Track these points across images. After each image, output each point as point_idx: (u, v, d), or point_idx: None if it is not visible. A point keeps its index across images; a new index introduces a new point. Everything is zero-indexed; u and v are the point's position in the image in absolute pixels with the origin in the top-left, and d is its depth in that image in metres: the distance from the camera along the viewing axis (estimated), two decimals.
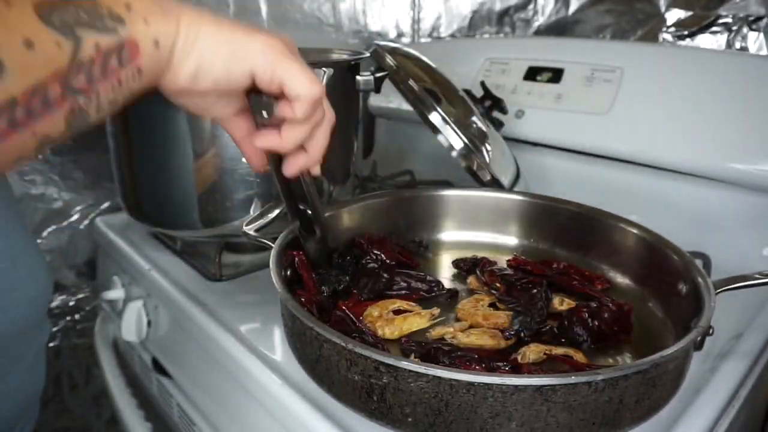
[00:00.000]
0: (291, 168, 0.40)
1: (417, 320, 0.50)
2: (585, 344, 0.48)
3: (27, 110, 0.25)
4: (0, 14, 0.24)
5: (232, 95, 0.36)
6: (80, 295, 0.96)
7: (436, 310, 0.51)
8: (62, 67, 0.26)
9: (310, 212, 0.50)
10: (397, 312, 0.51)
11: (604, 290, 0.56)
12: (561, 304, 0.52)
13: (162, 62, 0.31)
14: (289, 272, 0.51)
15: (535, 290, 0.51)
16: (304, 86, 0.34)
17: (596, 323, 0.48)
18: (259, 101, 0.36)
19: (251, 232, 0.54)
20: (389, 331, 0.49)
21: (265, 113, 0.37)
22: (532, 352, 0.45)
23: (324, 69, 0.50)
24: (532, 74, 0.89)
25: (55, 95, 0.26)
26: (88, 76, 0.27)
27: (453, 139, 0.67)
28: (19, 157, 0.26)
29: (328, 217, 0.59)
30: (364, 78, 0.69)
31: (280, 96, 0.36)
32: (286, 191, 0.47)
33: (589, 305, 0.49)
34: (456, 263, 0.61)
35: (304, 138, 0.38)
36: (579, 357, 0.45)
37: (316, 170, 0.42)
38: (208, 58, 0.32)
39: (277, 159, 0.42)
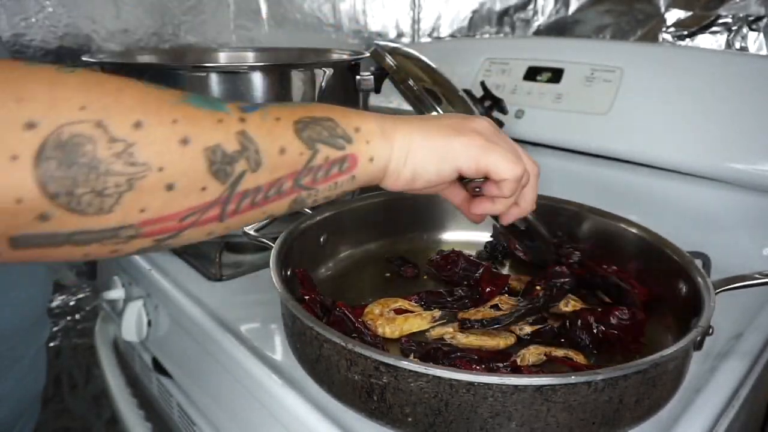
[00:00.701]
0: (506, 220, 0.47)
1: (418, 321, 0.50)
2: (586, 349, 0.47)
3: (266, 195, 0.32)
4: (269, 126, 0.31)
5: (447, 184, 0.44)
6: (80, 295, 0.96)
7: (437, 312, 0.51)
8: (298, 170, 0.33)
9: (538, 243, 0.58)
10: (399, 311, 0.51)
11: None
12: (566, 305, 0.52)
13: (373, 173, 0.38)
14: (288, 272, 0.51)
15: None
16: (506, 171, 0.40)
17: (601, 329, 0.47)
18: (468, 185, 0.44)
19: (251, 232, 0.54)
20: (389, 330, 0.49)
21: (477, 189, 0.44)
22: (531, 354, 0.45)
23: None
24: (532, 74, 0.89)
25: (287, 188, 0.33)
26: (314, 177, 0.34)
27: None
28: (249, 224, 0.33)
29: (329, 217, 0.59)
30: (364, 78, 0.69)
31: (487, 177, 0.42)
32: (512, 233, 0.57)
33: (596, 309, 0.49)
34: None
35: (513, 201, 0.44)
36: (580, 359, 0.45)
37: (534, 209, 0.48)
38: (420, 166, 0.39)
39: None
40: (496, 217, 0.49)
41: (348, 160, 0.36)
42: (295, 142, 0.33)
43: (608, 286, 0.55)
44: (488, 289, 0.55)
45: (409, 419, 0.37)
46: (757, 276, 0.47)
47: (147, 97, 0.28)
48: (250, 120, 0.31)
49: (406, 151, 0.39)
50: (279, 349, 0.52)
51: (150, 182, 0.27)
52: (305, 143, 0.33)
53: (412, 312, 0.51)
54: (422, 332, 0.49)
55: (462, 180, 0.44)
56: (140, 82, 0.29)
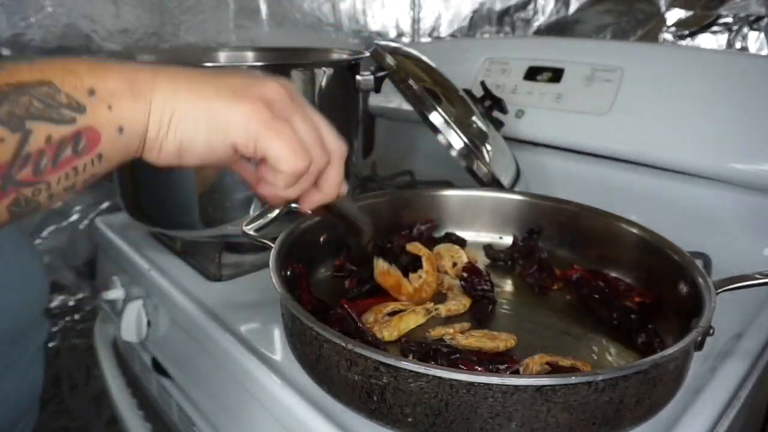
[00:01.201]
0: (305, 206, 0.39)
1: (413, 318, 0.50)
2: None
3: None
4: None
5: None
6: (80, 295, 0.96)
7: (429, 304, 0.51)
8: (4, 162, 0.24)
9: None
10: (392, 313, 0.51)
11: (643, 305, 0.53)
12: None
13: (130, 146, 0.29)
14: (289, 272, 0.51)
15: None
16: (284, 161, 0.33)
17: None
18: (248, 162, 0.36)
19: (251, 232, 0.54)
20: (387, 333, 0.48)
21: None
22: (535, 364, 0.45)
23: None
24: (532, 74, 0.89)
25: None
26: (35, 168, 0.25)
27: (453, 139, 0.67)
28: None
29: (330, 217, 0.59)
30: (364, 78, 0.69)
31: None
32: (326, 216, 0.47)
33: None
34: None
35: (306, 187, 0.36)
36: (587, 369, 0.45)
37: (341, 194, 0.41)
38: (188, 136, 0.31)
39: None
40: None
41: (84, 136, 0.26)
42: None
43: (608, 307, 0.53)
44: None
45: (409, 419, 0.37)
46: (757, 276, 0.46)
47: None
48: None
49: (169, 115, 0.30)
50: (279, 349, 0.52)
51: None
52: (4, 124, 0.24)
53: (405, 310, 0.51)
54: (422, 333, 0.49)
55: None
56: None
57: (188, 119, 0.30)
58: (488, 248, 0.64)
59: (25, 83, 0.25)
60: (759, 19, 0.94)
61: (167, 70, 0.31)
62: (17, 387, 0.52)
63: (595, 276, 0.56)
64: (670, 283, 0.51)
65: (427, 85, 0.70)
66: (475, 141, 0.68)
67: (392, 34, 1.25)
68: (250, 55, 0.89)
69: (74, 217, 0.92)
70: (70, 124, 0.26)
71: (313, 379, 0.43)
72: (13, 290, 0.49)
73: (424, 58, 0.77)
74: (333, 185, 0.38)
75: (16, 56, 0.79)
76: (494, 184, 0.69)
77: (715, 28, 0.99)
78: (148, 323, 0.69)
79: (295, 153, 0.33)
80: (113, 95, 0.28)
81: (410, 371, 0.35)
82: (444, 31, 1.31)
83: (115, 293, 0.75)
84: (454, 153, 0.67)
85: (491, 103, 0.83)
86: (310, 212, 0.40)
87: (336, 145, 0.37)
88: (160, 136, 0.30)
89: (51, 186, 0.26)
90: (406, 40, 1.27)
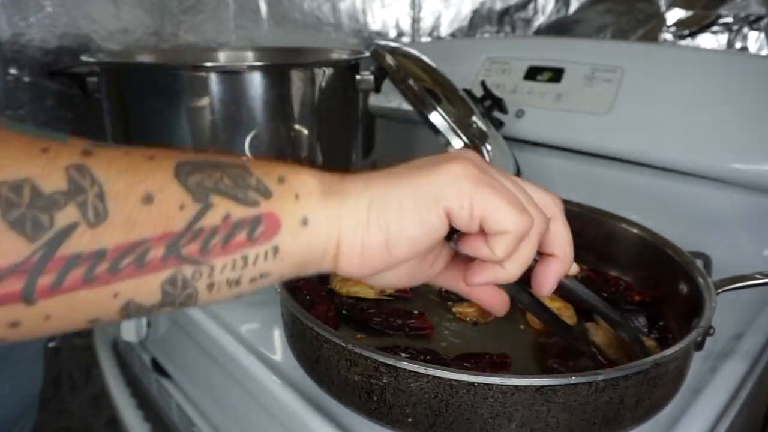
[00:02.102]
0: (544, 286, 0.32)
1: (366, 289, 0.53)
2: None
3: (113, 266, 0.21)
4: (132, 162, 0.21)
5: (436, 249, 0.31)
6: None
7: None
8: (175, 230, 0.22)
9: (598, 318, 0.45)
10: None
11: (643, 302, 0.53)
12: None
13: (314, 246, 0.26)
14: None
15: None
16: (508, 218, 0.27)
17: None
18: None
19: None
20: (339, 286, 0.53)
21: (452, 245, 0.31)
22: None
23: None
24: (532, 74, 0.89)
25: (154, 257, 0.21)
26: (203, 243, 0.22)
27: (453, 139, 0.67)
28: (95, 318, 0.22)
29: None
30: (364, 78, 0.69)
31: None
32: (548, 316, 0.41)
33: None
34: None
35: (532, 254, 0.30)
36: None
37: (574, 268, 0.33)
38: (394, 218, 0.27)
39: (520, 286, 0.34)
40: (531, 296, 0.36)
41: (263, 221, 0.24)
42: (172, 186, 0.22)
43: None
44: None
45: (409, 420, 0.37)
46: (757, 276, 0.46)
47: None
48: (101, 152, 0.21)
49: (367, 206, 0.26)
50: (279, 349, 0.52)
51: None
52: (191, 192, 0.22)
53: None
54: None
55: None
56: None
57: (391, 201, 0.27)
58: None
59: (221, 162, 0.24)
60: (759, 19, 0.94)
61: (353, 174, 0.28)
62: (17, 387, 0.52)
63: (598, 275, 0.56)
64: (670, 283, 0.51)
65: (427, 85, 0.70)
66: (475, 141, 0.68)
67: (392, 34, 1.25)
68: (250, 55, 0.89)
69: None
70: (253, 207, 0.24)
71: (313, 379, 0.43)
72: None
73: (424, 58, 0.77)
74: (566, 244, 0.31)
75: (16, 58, 0.79)
76: None
77: (715, 28, 0.99)
78: (148, 323, 0.69)
79: (516, 207, 0.27)
80: (304, 186, 0.25)
81: (410, 371, 0.35)
82: (444, 31, 1.31)
83: None
84: None
85: (491, 103, 0.83)
86: (548, 296, 0.32)
87: (550, 199, 0.31)
88: (359, 232, 0.26)
89: (214, 272, 0.23)
90: (406, 40, 1.27)
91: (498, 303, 0.34)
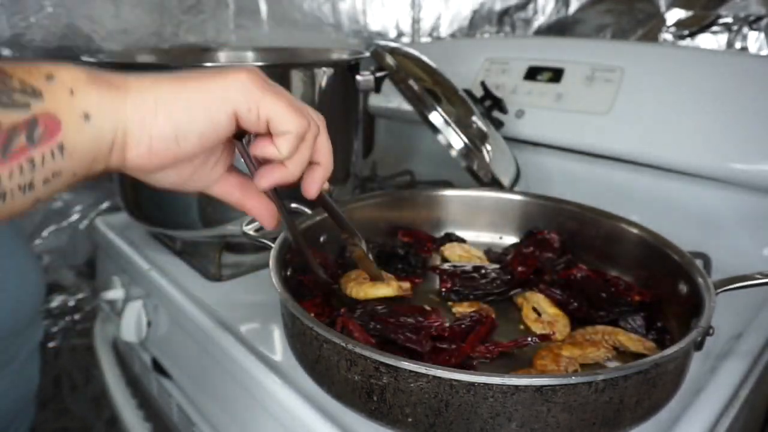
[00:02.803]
0: (311, 188, 0.36)
1: (383, 289, 0.51)
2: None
3: None
4: None
5: (217, 150, 0.34)
6: (80, 295, 0.96)
7: (406, 284, 0.53)
8: None
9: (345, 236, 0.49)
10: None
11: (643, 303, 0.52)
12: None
13: (102, 140, 0.26)
14: (289, 272, 0.51)
15: None
16: (291, 120, 0.31)
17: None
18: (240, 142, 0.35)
19: (251, 232, 0.54)
20: (355, 292, 0.51)
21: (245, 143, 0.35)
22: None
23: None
24: (532, 74, 0.89)
25: None
26: None
27: (453, 139, 0.67)
28: None
29: (329, 217, 0.59)
30: (364, 78, 0.69)
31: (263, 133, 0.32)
32: (299, 238, 0.44)
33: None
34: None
35: (307, 157, 0.34)
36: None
37: (327, 185, 0.39)
38: (183, 115, 0.28)
39: (282, 202, 0.39)
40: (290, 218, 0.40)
41: (40, 123, 0.24)
42: None
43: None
44: (520, 269, 0.56)
45: (409, 420, 0.37)
46: (757, 276, 0.46)
47: None
48: None
49: (154, 101, 0.28)
50: (279, 349, 0.52)
51: None
52: None
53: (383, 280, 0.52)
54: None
55: (241, 149, 0.35)
56: None
57: (179, 100, 0.28)
58: (488, 251, 0.64)
59: None
60: (759, 19, 0.94)
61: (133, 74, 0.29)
62: (13, 386, 0.52)
63: (598, 275, 0.56)
64: (670, 283, 0.51)
65: (427, 85, 0.70)
66: (475, 141, 0.68)
67: (392, 34, 1.25)
68: (250, 55, 0.89)
69: (74, 217, 0.92)
70: (23, 109, 0.23)
71: (313, 379, 0.43)
72: (8, 290, 0.49)
73: (424, 58, 0.77)
74: (328, 154, 0.36)
75: (17, 57, 0.79)
76: (494, 184, 0.69)
77: (715, 28, 0.99)
78: (148, 323, 0.70)
79: (297, 111, 0.32)
80: (76, 81, 0.25)
81: (410, 371, 0.35)
82: (444, 31, 1.31)
83: (115, 293, 0.75)
84: (454, 153, 0.67)
85: (491, 103, 0.83)
86: (314, 198, 0.38)
87: (317, 115, 0.36)
88: (147, 124, 0.27)
89: (2, 180, 0.23)
90: (406, 40, 1.27)
91: (268, 214, 0.38)
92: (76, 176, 0.26)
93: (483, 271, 0.56)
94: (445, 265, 0.57)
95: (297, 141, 0.32)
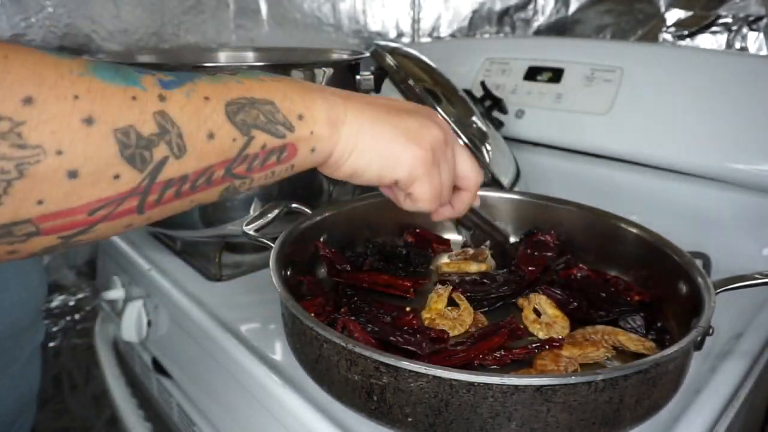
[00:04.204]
0: (435, 217, 0.48)
1: (477, 265, 0.58)
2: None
3: (192, 185, 0.29)
4: (195, 106, 0.28)
5: None
6: (80, 295, 0.96)
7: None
8: (230, 158, 0.30)
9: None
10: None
11: (643, 302, 0.53)
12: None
13: (315, 163, 0.36)
14: (289, 272, 0.51)
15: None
16: (425, 203, 0.41)
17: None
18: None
19: (251, 232, 0.54)
20: (446, 267, 0.59)
21: None
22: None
23: None
24: (532, 74, 0.89)
25: (217, 177, 0.30)
26: (248, 166, 0.31)
27: None
28: (172, 214, 0.31)
29: (329, 217, 0.59)
30: (364, 78, 0.69)
31: None
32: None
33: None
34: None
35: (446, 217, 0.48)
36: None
37: (476, 202, 0.49)
38: (362, 166, 0.37)
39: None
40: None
41: (287, 149, 0.33)
42: (227, 126, 0.29)
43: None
44: (530, 268, 0.56)
45: (409, 419, 0.37)
46: (757, 276, 0.46)
47: (41, 66, 0.23)
48: (172, 99, 0.27)
49: (352, 147, 0.37)
50: (279, 349, 0.52)
51: (46, 168, 0.23)
52: (239, 128, 0.30)
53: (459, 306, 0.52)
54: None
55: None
56: (34, 48, 0.24)
57: (366, 155, 0.37)
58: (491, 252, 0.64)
59: (256, 99, 0.31)
60: (758, 19, 0.94)
61: (356, 102, 0.37)
62: (14, 386, 0.52)
63: (598, 275, 0.56)
64: (669, 283, 0.51)
65: (427, 85, 0.70)
66: (475, 141, 0.68)
67: (392, 34, 1.25)
68: (250, 55, 0.89)
69: None
70: (281, 138, 0.32)
71: (313, 379, 0.43)
72: (10, 290, 0.49)
73: (424, 58, 0.77)
74: (463, 207, 0.46)
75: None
76: (494, 184, 0.69)
77: (714, 28, 0.99)
78: (149, 323, 0.70)
79: (433, 198, 0.41)
80: (315, 122, 0.34)
81: (410, 371, 0.35)
82: (444, 31, 1.31)
83: (116, 293, 0.75)
84: None
85: (491, 103, 0.83)
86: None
87: (473, 175, 0.44)
88: (340, 162, 0.37)
89: (253, 181, 0.32)
90: (406, 40, 1.27)
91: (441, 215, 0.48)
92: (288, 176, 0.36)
93: (491, 276, 0.57)
94: (453, 277, 0.58)
95: (415, 207, 0.42)
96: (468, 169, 0.44)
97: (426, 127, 0.39)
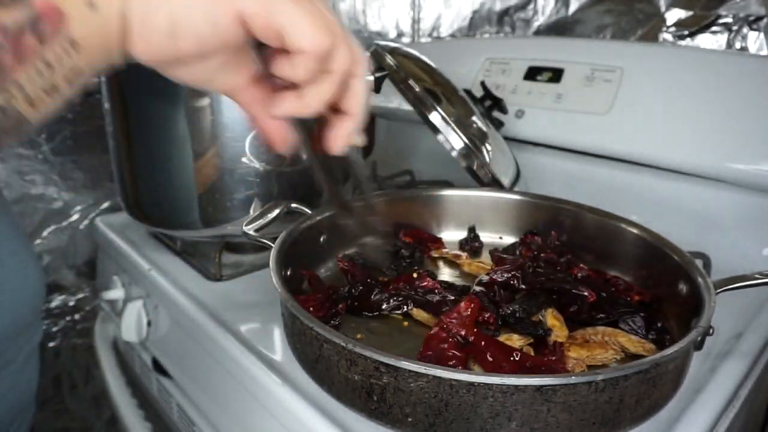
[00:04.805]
0: (334, 141, 0.32)
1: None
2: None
3: None
4: None
5: (239, 56, 0.29)
6: (80, 295, 0.96)
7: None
8: None
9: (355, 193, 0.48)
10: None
11: (643, 302, 0.52)
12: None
13: (108, 28, 0.24)
14: (289, 272, 0.51)
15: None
16: (306, 36, 0.26)
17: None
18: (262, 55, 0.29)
19: (251, 232, 0.54)
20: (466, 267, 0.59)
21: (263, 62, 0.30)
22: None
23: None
24: (532, 74, 0.89)
25: None
26: None
27: (453, 139, 0.67)
28: None
29: (330, 217, 0.59)
30: None
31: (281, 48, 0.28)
32: (324, 169, 0.38)
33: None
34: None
35: (331, 94, 0.29)
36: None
37: (359, 139, 0.34)
38: (181, 8, 0.25)
39: (306, 131, 0.34)
40: (310, 146, 0.34)
41: (44, 17, 0.22)
42: None
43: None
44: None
45: (409, 419, 0.37)
46: (757, 276, 0.46)
47: None
48: None
49: None
50: (279, 349, 0.52)
51: None
52: None
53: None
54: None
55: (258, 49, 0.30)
56: None
57: None
58: (493, 252, 0.64)
59: None
60: (759, 19, 0.94)
61: None
62: (12, 386, 0.52)
63: (598, 275, 0.56)
64: (670, 283, 0.51)
65: (427, 85, 0.70)
66: (475, 141, 0.68)
67: (392, 34, 1.25)
68: None
69: (74, 217, 0.92)
70: (22, 6, 0.22)
71: (313, 379, 0.43)
72: (8, 291, 0.49)
73: (424, 58, 0.77)
74: (359, 102, 0.31)
75: None
76: (494, 184, 0.69)
77: (714, 28, 0.99)
78: (148, 323, 0.70)
79: (318, 26, 0.26)
80: None
81: (410, 371, 0.35)
82: (444, 31, 1.31)
83: (115, 293, 0.75)
84: (454, 153, 0.67)
85: (491, 103, 0.83)
86: (337, 153, 0.32)
87: (360, 51, 0.30)
88: (147, 17, 0.25)
89: (24, 87, 0.22)
90: (406, 40, 1.27)
91: (279, 138, 0.33)
92: (97, 70, 0.25)
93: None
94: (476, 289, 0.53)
95: (314, 64, 0.27)
96: (350, 35, 0.30)
97: None
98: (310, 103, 0.29)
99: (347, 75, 0.29)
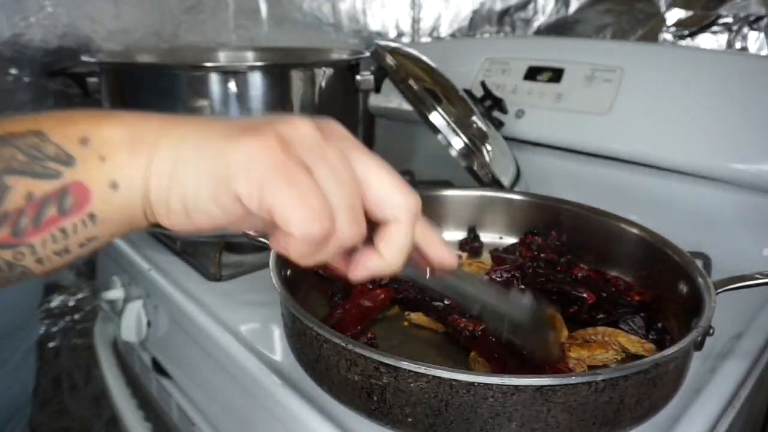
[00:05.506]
0: (355, 274, 0.29)
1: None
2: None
3: None
4: None
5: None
6: (80, 295, 0.96)
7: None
8: None
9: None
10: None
11: (643, 302, 0.52)
12: None
13: (131, 207, 0.24)
14: (289, 272, 0.51)
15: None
16: (294, 223, 0.24)
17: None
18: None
19: (251, 232, 0.54)
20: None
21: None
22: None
23: None
24: (532, 74, 0.89)
25: None
26: (13, 228, 0.22)
27: (453, 139, 0.67)
28: None
29: None
30: (364, 78, 0.69)
31: None
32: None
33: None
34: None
35: (332, 255, 0.27)
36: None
37: (454, 260, 0.31)
38: (191, 190, 0.24)
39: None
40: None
41: (71, 193, 0.23)
42: None
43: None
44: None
45: (409, 419, 0.37)
46: (757, 276, 0.46)
47: None
48: None
49: (171, 166, 0.24)
50: (279, 349, 0.52)
51: None
52: None
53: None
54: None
55: None
56: None
57: (189, 168, 0.24)
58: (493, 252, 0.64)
59: (13, 133, 0.22)
60: (759, 19, 0.94)
61: (182, 117, 0.25)
62: (9, 384, 0.52)
63: (598, 275, 0.56)
64: (670, 283, 0.51)
65: (427, 85, 0.70)
66: (475, 141, 0.68)
67: (392, 34, 1.25)
68: (250, 55, 0.89)
69: None
70: (55, 179, 0.22)
71: (313, 379, 0.43)
72: (4, 291, 0.49)
73: (424, 58, 0.77)
74: (395, 252, 0.28)
75: (17, 58, 0.79)
76: (494, 184, 0.69)
77: (715, 28, 0.99)
78: (148, 323, 0.69)
79: (309, 212, 0.24)
80: (107, 145, 0.23)
81: (410, 371, 0.35)
82: (444, 31, 1.31)
83: (115, 293, 0.75)
84: (454, 153, 0.67)
85: (491, 103, 0.83)
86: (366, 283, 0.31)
87: (398, 198, 0.28)
88: (164, 195, 0.24)
89: (36, 249, 0.23)
90: (406, 40, 1.27)
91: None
92: (114, 237, 0.26)
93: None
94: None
95: (305, 248, 0.25)
96: (385, 190, 0.28)
97: (279, 119, 0.25)
98: (308, 263, 0.27)
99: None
